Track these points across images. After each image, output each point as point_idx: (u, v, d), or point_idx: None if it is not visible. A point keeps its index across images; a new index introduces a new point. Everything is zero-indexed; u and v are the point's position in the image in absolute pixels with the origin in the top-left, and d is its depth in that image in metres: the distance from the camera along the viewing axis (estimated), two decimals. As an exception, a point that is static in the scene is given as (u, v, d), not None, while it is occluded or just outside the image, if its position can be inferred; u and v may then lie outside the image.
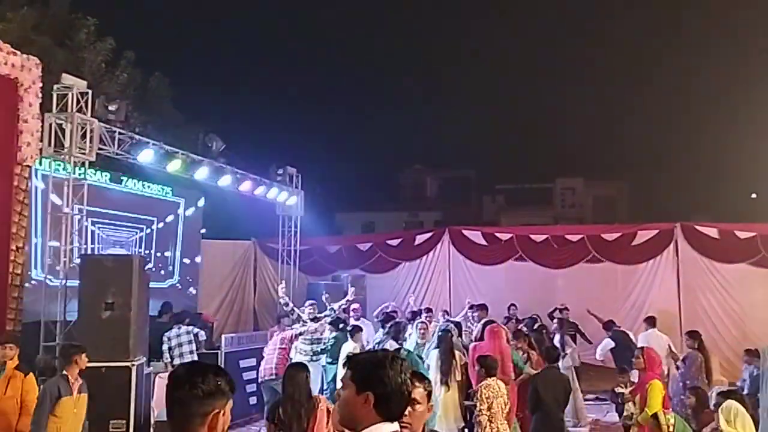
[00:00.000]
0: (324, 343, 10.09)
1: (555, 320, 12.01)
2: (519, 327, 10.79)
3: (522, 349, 8.90)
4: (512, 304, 13.44)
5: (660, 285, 14.35)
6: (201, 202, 15.69)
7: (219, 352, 10.84)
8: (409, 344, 9.28)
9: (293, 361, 8.51)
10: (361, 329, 9.68)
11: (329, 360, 9.94)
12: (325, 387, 9.79)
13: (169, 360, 10.05)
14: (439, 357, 8.44)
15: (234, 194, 14.43)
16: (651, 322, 11.06)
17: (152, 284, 9.75)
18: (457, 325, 10.36)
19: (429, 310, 11.86)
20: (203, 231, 16.27)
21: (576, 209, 46.67)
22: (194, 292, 15.32)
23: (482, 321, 10.02)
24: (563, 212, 46.21)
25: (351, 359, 2.39)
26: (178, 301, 13.35)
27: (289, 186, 15.79)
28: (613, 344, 10.87)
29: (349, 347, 9.03)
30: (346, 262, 16.78)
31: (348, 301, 11.28)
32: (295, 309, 10.20)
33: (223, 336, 11.46)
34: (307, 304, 10.55)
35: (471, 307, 11.61)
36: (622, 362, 9.53)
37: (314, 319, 10.16)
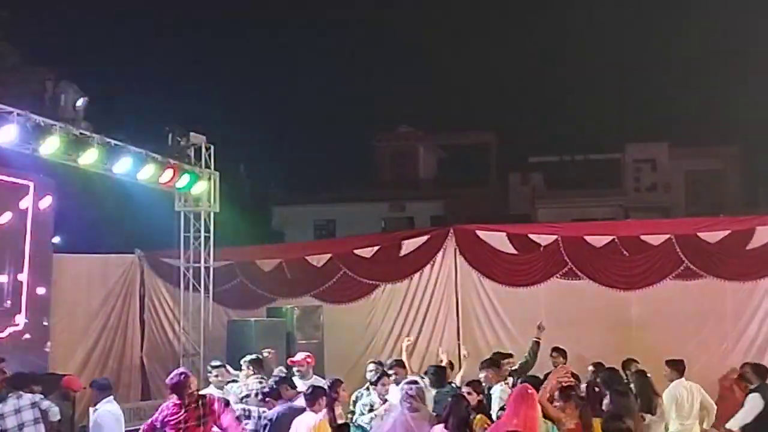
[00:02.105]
0: None
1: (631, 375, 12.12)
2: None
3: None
4: (555, 349, 13.40)
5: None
6: (47, 196, 15.54)
7: (84, 437, 10.82)
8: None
9: None
10: (319, 393, 9.74)
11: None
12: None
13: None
14: None
15: (105, 180, 14.31)
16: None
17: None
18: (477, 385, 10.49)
19: (400, 363, 12.21)
20: (55, 240, 16.12)
21: (658, 193, 46.92)
22: (47, 345, 15.26)
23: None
24: (638, 198, 46.32)
25: None
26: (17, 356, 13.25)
27: (196, 164, 15.69)
28: (761, 407, 10.99)
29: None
30: (290, 285, 16.77)
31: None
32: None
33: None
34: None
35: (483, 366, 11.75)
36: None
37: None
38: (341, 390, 10.38)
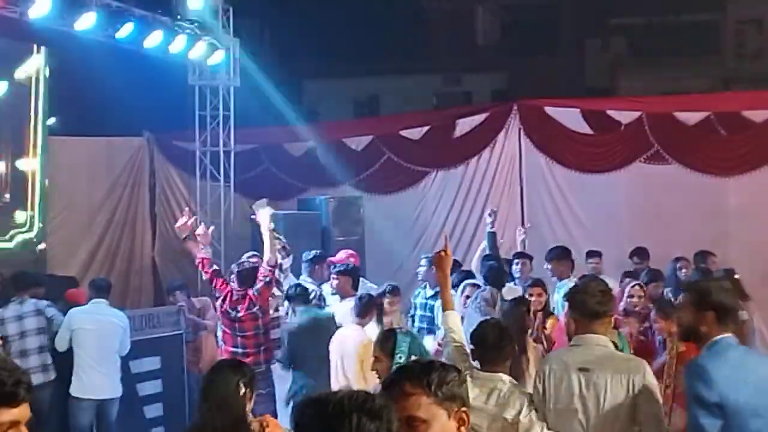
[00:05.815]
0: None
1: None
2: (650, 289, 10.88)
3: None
4: (638, 249, 13.47)
5: None
6: (41, 67, 15.64)
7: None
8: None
9: None
10: (372, 303, 9.87)
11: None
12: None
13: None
14: None
15: (107, 49, 14.34)
16: None
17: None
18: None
19: None
20: (51, 121, 16.25)
21: (765, 60, 46.27)
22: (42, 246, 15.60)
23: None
24: (741, 67, 45.78)
25: None
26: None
27: (212, 30, 15.65)
28: None
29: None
30: (324, 173, 16.88)
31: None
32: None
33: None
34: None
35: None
36: None
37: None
38: (397, 298, 10.64)
